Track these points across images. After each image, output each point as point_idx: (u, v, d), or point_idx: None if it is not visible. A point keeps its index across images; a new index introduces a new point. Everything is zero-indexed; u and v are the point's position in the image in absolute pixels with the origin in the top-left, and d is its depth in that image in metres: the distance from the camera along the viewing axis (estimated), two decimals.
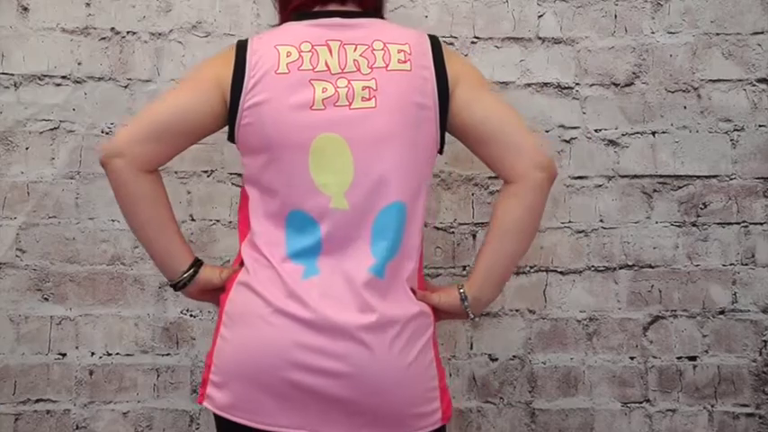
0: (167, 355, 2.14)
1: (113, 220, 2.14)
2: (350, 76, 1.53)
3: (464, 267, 2.16)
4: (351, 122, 1.51)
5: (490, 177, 2.16)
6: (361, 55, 1.54)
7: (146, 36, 2.15)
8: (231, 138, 1.59)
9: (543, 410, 2.17)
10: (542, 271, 2.18)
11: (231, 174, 2.16)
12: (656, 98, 2.18)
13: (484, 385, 2.17)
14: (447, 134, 1.61)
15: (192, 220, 2.15)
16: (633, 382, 2.18)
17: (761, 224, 2.18)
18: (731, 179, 2.18)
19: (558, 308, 2.18)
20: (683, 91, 2.18)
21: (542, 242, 2.17)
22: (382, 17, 1.65)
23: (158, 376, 2.14)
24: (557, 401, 2.18)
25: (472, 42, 2.16)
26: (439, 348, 1.65)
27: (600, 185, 2.18)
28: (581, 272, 2.18)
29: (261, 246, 1.54)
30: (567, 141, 2.18)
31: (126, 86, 2.15)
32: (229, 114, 1.56)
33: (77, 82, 2.14)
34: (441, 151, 1.62)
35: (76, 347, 2.14)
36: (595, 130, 2.18)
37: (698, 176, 2.18)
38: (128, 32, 2.15)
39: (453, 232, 2.17)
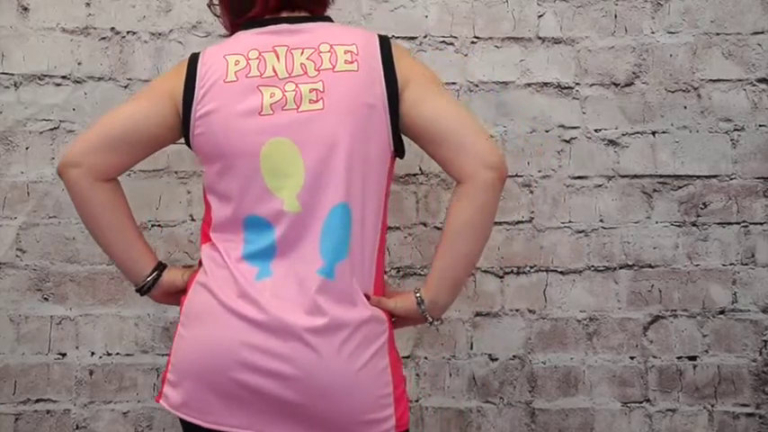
0: (167, 354, 2.14)
1: None
2: (297, 79, 1.54)
3: None
4: (299, 125, 1.52)
5: None
6: (308, 58, 1.55)
7: (146, 36, 2.15)
8: (190, 147, 1.62)
9: (543, 410, 2.17)
10: (542, 271, 2.18)
11: None
12: (656, 98, 2.18)
13: (484, 385, 2.17)
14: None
15: (192, 220, 2.15)
16: (633, 382, 2.18)
17: (761, 224, 2.18)
18: (731, 179, 2.18)
19: (558, 308, 2.18)
20: (683, 91, 2.18)
21: (542, 242, 2.18)
22: (330, 19, 1.65)
23: (158, 376, 2.14)
24: (557, 401, 2.18)
25: (472, 42, 2.16)
26: (398, 354, 1.63)
27: (600, 185, 2.18)
28: (581, 272, 2.18)
29: (219, 246, 1.57)
30: (567, 141, 2.18)
31: (126, 86, 2.15)
32: (183, 125, 1.59)
33: (77, 82, 2.14)
34: (400, 155, 1.61)
35: (76, 347, 2.14)
36: (595, 130, 2.18)
37: (698, 176, 2.18)
38: (128, 32, 2.15)
39: None
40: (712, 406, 2.17)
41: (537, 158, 2.18)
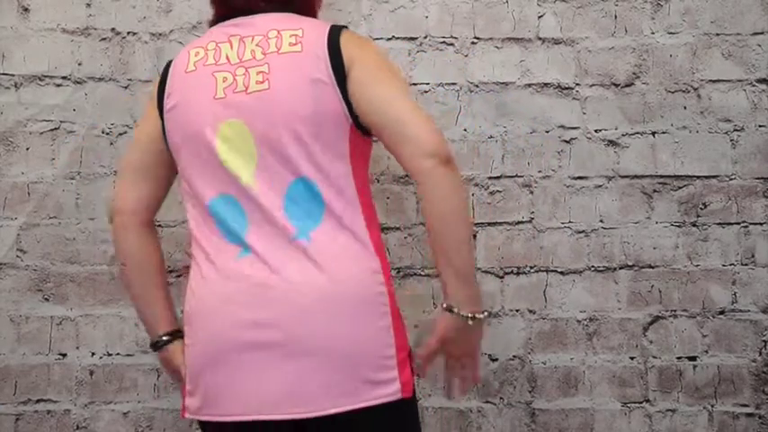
0: None
1: None
2: (247, 64, 1.59)
3: None
4: (248, 106, 1.57)
5: (490, 178, 2.16)
6: (257, 44, 1.60)
7: (146, 36, 2.15)
8: (168, 147, 1.67)
9: (543, 410, 2.17)
10: (542, 271, 2.18)
11: None
12: (656, 98, 2.18)
13: (484, 385, 2.18)
14: None
15: None
16: (633, 382, 2.18)
17: (761, 224, 2.18)
18: (731, 179, 2.18)
19: (558, 308, 2.18)
20: (683, 91, 2.18)
21: (542, 242, 2.18)
22: (291, 10, 1.68)
23: (159, 376, 2.14)
24: (557, 401, 2.18)
25: (472, 42, 2.17)
26: (402, 320, 1.62)
27: (600, 186, 2.18)
28: (581, 272, 2.18)
29: (199, 243, 1.61)
30: (567, 141, 2.18)
31: (126, 87, 2.15)
32: (161, 125, 1.66)
33: (78, 82, 2.14)
34: (366, 132, 1.61)
35: (77, 348, 2.14)
36: (595, 131, 2.18)
37: (698, 176, 2.18)
38: (128, 33, 2.15)
39: None
40: (712, 406, 2.17)
41: (537, 159, 2.18)
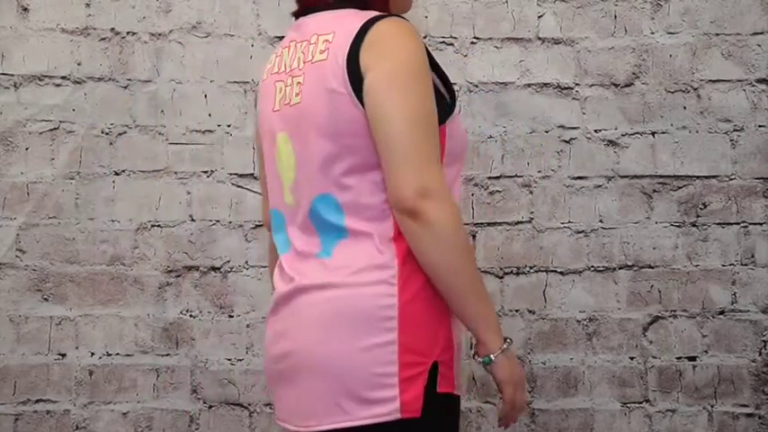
0: (167, 355, 2.14)
1: (113, 221, 2.14)
2: (293, 73, 1.53)
3: None
4: (290, 119, 1.52)
5: (490, 178, 2.16)
6: (301, 51, 1.52)
7: (146, 36, 2.15)
8: None
9: (543, 410, 2.17)
10: (542, 271, 2.18)
11: (231, 174, 2.16)
12: (656, 98, 2.18)
13: (484, 385, 2.17)
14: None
15: (192, 220, 2.15)
16: (633, 382, 2.18)
17: (760, 224, 2.18)
18: (731, 179, 2.18)
19: (557, 308, 2.18)
20: (683, 91, 2.18)
21: (542, 242, 2.18)
22: (347, 6, 1.54)
23: (158, 376, 2.14)
24: (556, 401, 2.18)
25: (472, 42, 2.16)
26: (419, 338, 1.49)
27: (600, 186, 2.18)
28: (581, 272, 2.18)
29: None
30: (567, 141, 2.18)
31: (126, 87, 2.15)
32: None
33: (77, 82, 2.14)
34: None
35: (76, 348, 2.14)
36: (595, 131, 2.18)
37: (698, 176, 2.18)
38: (128, 33, 2.15)
39: None
40: (712, 406, 2.17)
41: (536, 159, 2.18)
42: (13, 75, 2.14)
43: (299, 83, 1.51)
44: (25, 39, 2.14)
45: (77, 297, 2.14)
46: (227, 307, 2.15)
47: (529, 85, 2.17)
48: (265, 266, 2.04)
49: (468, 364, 2.17)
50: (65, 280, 2.14)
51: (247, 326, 2.14)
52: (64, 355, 2.14)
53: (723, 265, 2.18)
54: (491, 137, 2.16)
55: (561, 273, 2.18)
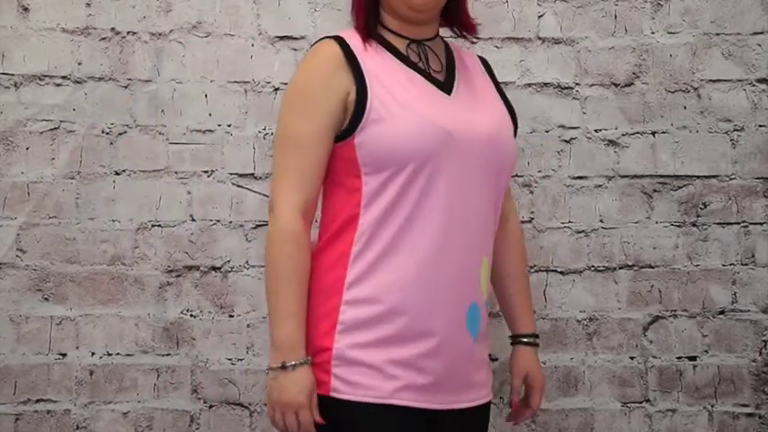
0: (167, 355, 2.14)
1: (113, 221, 2.14)
2: None
3: None
4: None
5: None
6: None
7: (146, 36, 2.15)
8: None
9: (543, 410, 2.17)
10: (542, 271, 2.18)
11: (231, 174, 2.16)
12: (656, 98, 2.18)
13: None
14: None
15: (193, 220, 2.15)
16: (633, 382, 2.18)
17: (761, 224, 2.18)
18: (731, 179, 2.18)
19: (558, 308, 2.18)
20: (683, 91, 2.18)
21: (542, 242, 2.18)
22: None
23: (158, 376, 2.14)
24: (557, 401, 2.18)
25: (472, 42, 2.16)
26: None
27: (600, 185, 2.18)
28: (581, 272, 2.18)
29: None
30: (567, 141, 2.18)
31: (126, 87, 2.15)
32: None
33: (77, 82, 2.14)
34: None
35: (77, 347, 2.14)
36: (595, 131, 2.18)
37: (698, 176, 2.18)
38: (128, 32, 2.15)
39: None
40: (712, 406, 2.17)
41: (537, 158, 2.18)
42: (13, 74, 2.14)
43: None
44: (26, 38, 2.14)
45: (78, 297, 2.14)
46: (227, 307, 2.15)
47: (529, 85, 2.18)
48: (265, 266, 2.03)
49: None
50: (65, 280, 2.14)
51: (248, 326, 2.14)
52: (64, 355, 2.14)
53: (723, 265, 2.18)
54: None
55: (561, 272, 2.18)
